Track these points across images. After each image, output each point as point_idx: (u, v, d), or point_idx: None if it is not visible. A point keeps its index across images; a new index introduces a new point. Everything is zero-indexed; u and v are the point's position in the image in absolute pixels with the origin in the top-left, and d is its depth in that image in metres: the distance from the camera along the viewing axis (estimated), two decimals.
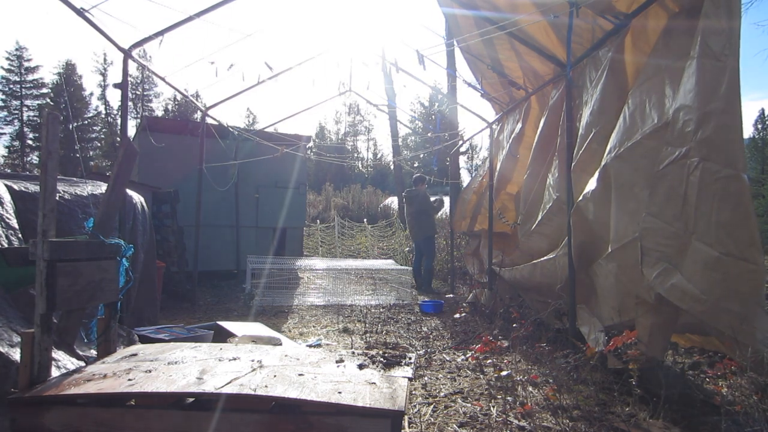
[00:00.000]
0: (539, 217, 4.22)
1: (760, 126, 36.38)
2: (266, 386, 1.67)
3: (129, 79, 4.50)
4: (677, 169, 2.41)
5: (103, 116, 45.08)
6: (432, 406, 2.78)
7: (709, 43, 2.32)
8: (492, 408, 2.71)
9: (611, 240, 3.04)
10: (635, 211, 2.81)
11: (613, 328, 3.11)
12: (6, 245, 2.62)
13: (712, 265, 2.24)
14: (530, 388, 2.91)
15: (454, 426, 2.52)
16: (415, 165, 45.32)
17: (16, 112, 40.81)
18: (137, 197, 4.40)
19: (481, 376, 3.36)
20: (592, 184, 3.24)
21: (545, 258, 4.05)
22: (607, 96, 3.30)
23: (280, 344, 3.25)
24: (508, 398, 2.78)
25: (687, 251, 2.37)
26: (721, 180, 2.21)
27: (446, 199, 9.20)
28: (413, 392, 3.01)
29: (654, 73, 2.85)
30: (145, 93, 45.89)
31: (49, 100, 40.71)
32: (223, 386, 1.66)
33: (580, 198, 3.36)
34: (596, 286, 3.37)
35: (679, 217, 2.40)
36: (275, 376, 1.80)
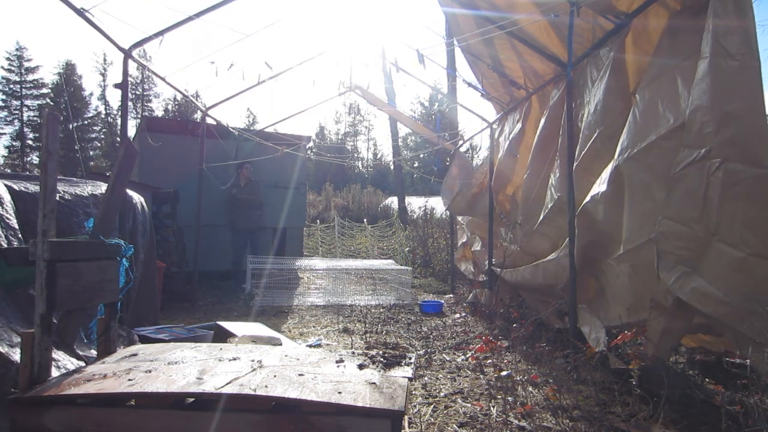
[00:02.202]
0: (540, 217, 4.22)
1: None
2: (266, 386, 1.67)
3: (129, 79, 4.49)
4: (696, 171, 2.37)
5: (103, 116, 45.12)
6: (432, 406, 2.78)
7: (724, 42, 2.30)
8: (492, 408, 2.71)
9: (624, 241, 3.00)
10: (651, 213, 2.77)
11: (621, 327, 3.09)
12: (6, 245, 2.62)
13: (738, 266, 2.22)
14: (530, 388, 2.91)
15: (454, 426, 2.52)
16: (415, 165, 45.35)
17: (16, 112, 40.85)
18: (137, 197, 4.40)
19: (481, 376, 3.36)
20: (602, 186, 3.20)
21: (547, 259, 4.04)
22: (611, 95, 3.29)
23: (280, 344, 3.25)
24: (508, 398, 2.78)
25: (708, 254, 2.34)
26: (747, 180, 2.19)
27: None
28: (413, 392, 3.01)
29: (661, 72, 2.82)
30: (145, 93, 45.92)
31: (49, 100, 40.73)
32: (223, 386, 1.66)
33: (588, 199, 3.34)
34: (604, 285, 3.35)
35: (699, 220, 2.36)
36: (275, 376, 1.80)
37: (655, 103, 2.82)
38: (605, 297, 3.35)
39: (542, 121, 4.42)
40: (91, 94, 44.89)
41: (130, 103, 42.93)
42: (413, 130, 6.29)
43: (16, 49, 40.84)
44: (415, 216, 17.07)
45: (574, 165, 3.54)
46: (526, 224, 4.60)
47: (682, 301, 2.42)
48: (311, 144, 11.71)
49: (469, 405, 2.79)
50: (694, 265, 2.39)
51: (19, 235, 2.80)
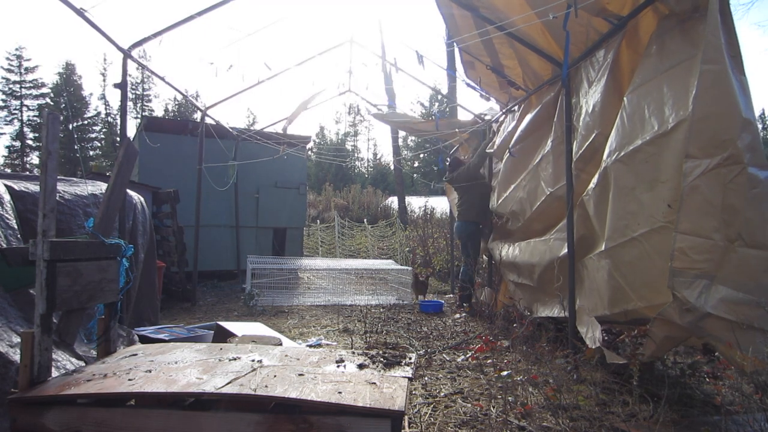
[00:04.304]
0: (530, 212, 4.36)
1: (760, 126, 36.56)
2: (266, 386, 1.67)
3: (129, 78, 4.49)
4: (711, 180, 2.35)
5: (103, 116, 45.14)
6: (432, 406, 2.78)
7: (730, 50, 2.36)
8: (492, 408, 2.71)
9: (606, 238, 3.07)
10: (635, 213, 2.84)
11: (601, 319, 3.18)
12: (5, 245, 2.62)
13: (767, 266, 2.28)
14: (530, 388, 2.91)
15: (454, 426, 2.52)
16: (416, 165, 45.36)
17: (16, 112, 40.85)
18: (137, 197, 4.40)
19: (481, 376, 3.36)
20: (593, 183, 3.30)
21: (540, 239, 4.24)
22: (608, 98, 3.32)
23: (280, 344, 3.25)
24: (508, 398, 2.78)
25: (729, 261, 2.34)
26: (765, 181, 2.28)
27: (446, 199, 9.16)
28: (413, 392, 3.01)
29: (649, 77, 2.85)
30: (144, 93, 45.93)
31: (49, 100, 40.74)
32: (223, 386, 1.66)
33: (585, 194, 3.40)
34: (584, 278, 3.47)
35: (719, 228, 2.35)
36: (275, 376, 1.80)
37: (641, 108, 2.86)
38: (585, 288, 3.45)
39: (534, 118, 4.49)
40: (91, 94, 45.20)
41: (130, 103, 42.97)
42: (420, 133, 6.31)
43: (16, 49, 40.87)
44: (415, 216, 17.09)
45: (573, 162, 3.59)
46: (518, 219, 4.71)
47: (699, 317, 2.39)
48: (311, 144, 11.71)
49: (469, 405, 2.79)
50: (712, 275, 2.37)
51: (18, 236, 2.80)
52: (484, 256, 6.41)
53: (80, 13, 3.55)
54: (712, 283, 2.35)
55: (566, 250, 3.57)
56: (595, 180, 3.26)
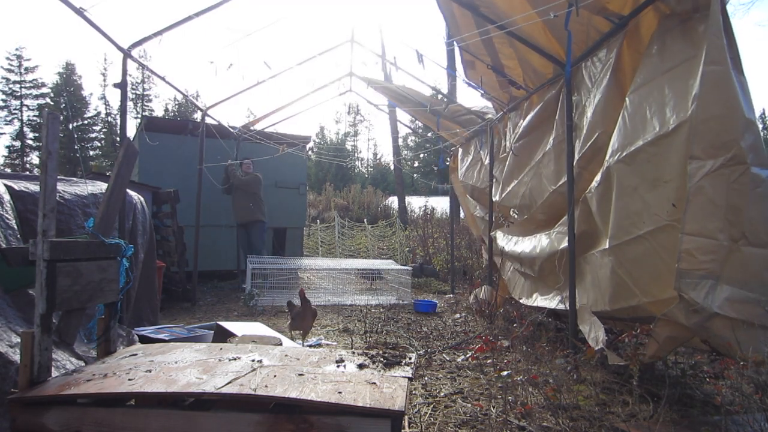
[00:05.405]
0: (535, 207, 4.38)
1: (760, 126, 36.70)
2: (266, 386, 1.67)
3: (129, 78, 4.50)
4: (716, 180, 2.35)
5: (103, 116, 45.14)
6: (432, 406, 2.78)
7: (730, 51, 2.38)
8: (492, 408, 2.71)
9: (610, 236, 3.09)
10: (639, 212, 2.85)
11: (600, 314, 3.21)
12: (5, 245, 2.62)
13: None
14: (530, 388, 2.91)
15: (454, 426, 2.52)
16: (416, 165, 45.39)
17: (16, 112, 40.85)
18: (137, 197, 4.40)
19: (481, 376, 3.36)
20: (595, 182, 3.32)
21: (544, 232, 4.27)
22: (611, 98, 3.33)
23: (280, 344, 3.25)
24: (508, 398, 2.78)
25: (734, 261, 2.35)
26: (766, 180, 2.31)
27: (446, 199, 9.14)
28: (413, 392, 3.01)
29: (650, 77, 2.85)
30: (145, 93, 45.93)
31: (49, 100, 40.74)
32: (223, 386, 1.66)
33: (588, 191, 3.41)
34: (586, 273, 3.48)
35: (723, 228, 2.36)
36: (275, 376, 1.80)
37: (643, 109, 2.87)
38: (586, 283, 3.47)
39: (536, 116, 4.49)
40: (91, 94, 45.22)
41: (130, 103, 42.97)
42: (420, 110, 6.24)
43: (16, 49, 40.87)
44: (415, 216, 17.10)
45: (575, 161, 3.60)
46: (520, 216, 4.72)
47: (706, 317, 2.37)
48: (311, 144, 11.71)
49: (469, 405, 2.79)
50: (717, 276, 2.37)
51: (18, 236, 2.80)
52: (484, 253, 6.41)
53: (80, 12, 3.54)
54: (717, 282, 2.36)
55: (566, 244, 3.59)
56: (597, 179, 3.27)
